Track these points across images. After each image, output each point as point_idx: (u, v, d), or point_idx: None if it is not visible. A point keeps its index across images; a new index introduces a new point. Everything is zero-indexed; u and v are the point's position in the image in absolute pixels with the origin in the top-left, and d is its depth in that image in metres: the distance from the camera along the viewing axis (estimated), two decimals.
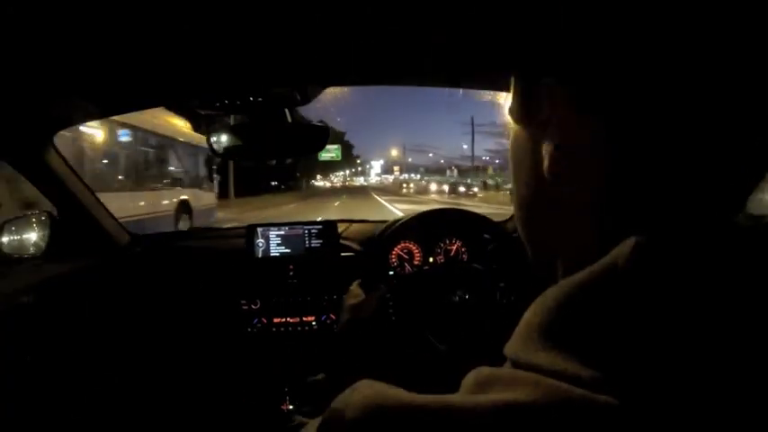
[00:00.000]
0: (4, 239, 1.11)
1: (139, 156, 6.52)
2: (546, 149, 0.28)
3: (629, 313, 0.22)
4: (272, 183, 30.15)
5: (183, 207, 7.56)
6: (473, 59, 0.95)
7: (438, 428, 0.22)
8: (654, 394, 0.20)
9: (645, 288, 0.22)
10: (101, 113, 1.15)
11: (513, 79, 0.32)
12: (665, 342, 0.21)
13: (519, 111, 0.32)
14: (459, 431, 0.22)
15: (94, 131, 5.41)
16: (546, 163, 0.28)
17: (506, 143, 0.35)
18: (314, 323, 1.29)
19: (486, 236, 1.35)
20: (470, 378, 0.25)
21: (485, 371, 0.25)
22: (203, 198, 8.68)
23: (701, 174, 0.24)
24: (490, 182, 40.15)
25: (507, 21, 0.71)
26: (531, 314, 0.26)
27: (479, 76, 1.08)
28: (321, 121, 1.05)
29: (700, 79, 0.23)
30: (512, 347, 0.26)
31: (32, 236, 1.15)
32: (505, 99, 0.35)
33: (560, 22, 0.27)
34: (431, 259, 1.35)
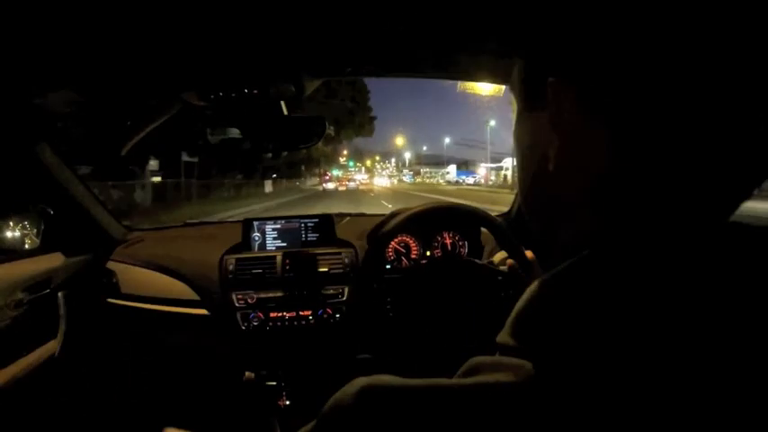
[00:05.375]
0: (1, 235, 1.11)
1: None
2: (549, 144, 0.29)
3: (568, 303, 0.25)
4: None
5: None
6: (474, 53, 0.95)
7: (427, 405, 0.24)
8: (541, 376, 0.23)
9: (582, 286, 0.25)
10: (97, 111, 1.15)
11: (517, 73, 0.33)
12: (584, 329, 0.23)
13: (524, 104, 0.32)
14: (446, 408, 0.23)
15: None
16: (549, 156, 0.29)
17: None
18: (310, 317, 1.29)
19: (483, 230, 1.35)
20: (463, 366, 0.27)
21: (475, 359, 0.27)
22: None
23: (696, 173, 0.25)
24: None
25: (512, 18, 0.71)
26: (519, 302, 0.28)
27: (480, 69, 1.07)
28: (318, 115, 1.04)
29: (699, 82, 0.24)
30: (501, 333, 0.28)
31: (28, 231, 1.15)
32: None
33: (565, 24, 0.27)
34: (428, 253, 1.35)
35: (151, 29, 0.79)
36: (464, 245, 1.36)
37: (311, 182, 35.34)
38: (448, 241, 1.36)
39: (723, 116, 0.24)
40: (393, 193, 24.43)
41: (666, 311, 0.22)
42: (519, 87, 0.33)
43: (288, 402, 1.26)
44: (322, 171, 38.38)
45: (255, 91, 0.98)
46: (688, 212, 0.26)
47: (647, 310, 0.23)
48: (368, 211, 1.57)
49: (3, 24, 0.67)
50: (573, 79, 0.27)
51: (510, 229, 1.38)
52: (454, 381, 0.26)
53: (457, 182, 44.91)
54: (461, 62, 1.03)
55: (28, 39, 0.73)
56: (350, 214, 1.48)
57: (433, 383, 0.25)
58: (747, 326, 0.21)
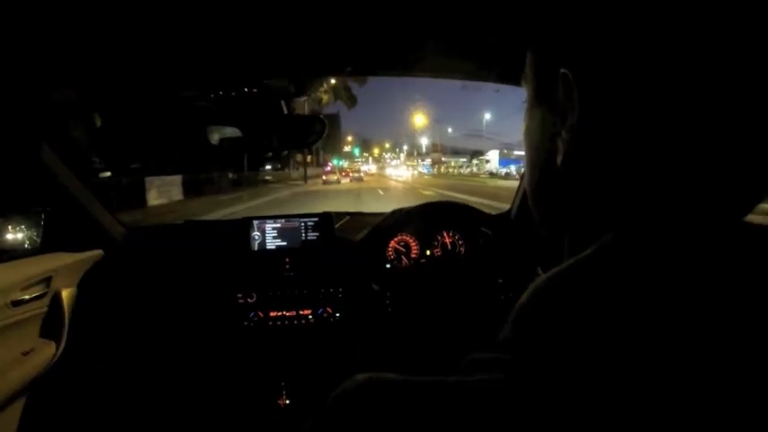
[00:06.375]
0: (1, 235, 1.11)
1: None
2: (558, 139, 0.29)
3: (571, 301, 0.24)
4: None
5: None
6: (474, 53, 0.95)
7: (427, 402, 0.24)
8: (539, 374, 0.23)
9: (586, 284, 0.25)
10: (97, 111, 1.15)
11: (527, 65, 0.33)
12: (576, 335, 0.23)
13: (533, 96, 0.33)
14: (446, 404, 0.23)
15: None
16: (558, 148, 0.29)
17: None
18: (310, 316, 1.29)
19: (483, 229, 1.35)
20: (463, 362, 0.27)
21: (476, 355, 0.27)
22: None
23: (698, 173, 0.25)
24: None
25: (511, 19, 0.71)
26: (522, 298, 0.28)
27: (481, 68, 1.07)
28: (318, 114, 1.05)
29: (699, 82, 0.24)
30: (502, 329, 0.28)
31: (27, 231, 1.15)
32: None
33: (576, 18, 0.28)
34: (428, 252, 1.35)
35: (153, 28, 0.79)
36: (464, 245, 1.36)
37: (298, 174, 23.98)
38: (448, 241, 1.36)
39: (723, 117, 0.24)
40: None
41: (669, 312, 0.22)
42: (532, 80, 0.33)
43: (288, 402, 1.26)
44: (316, 161, 27.74)
45: (255, 90, 0.98)
46: (693, 212, 0.26)
47: (650, 310, 0.23)
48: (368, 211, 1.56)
49: (3, 23, 0.67)
50: (583, 72, 0.27)
51: (511, 227, 1.38)
52: (454, 377, 0.25)
53: (507, 174, 30.29)
54: (462, 62, 1.03)
55: (28, 37, 0.73)
56: (350, 213, 1.48)
57: (433, 380, 0.25)
58: (749, 329, 0.21)
